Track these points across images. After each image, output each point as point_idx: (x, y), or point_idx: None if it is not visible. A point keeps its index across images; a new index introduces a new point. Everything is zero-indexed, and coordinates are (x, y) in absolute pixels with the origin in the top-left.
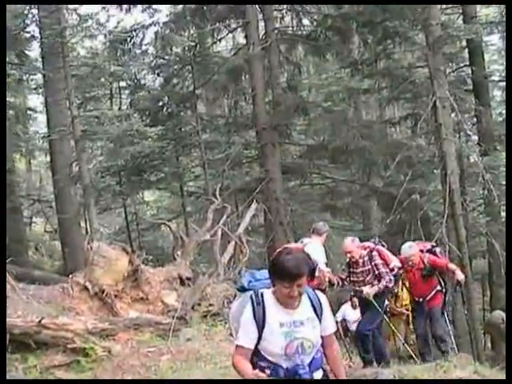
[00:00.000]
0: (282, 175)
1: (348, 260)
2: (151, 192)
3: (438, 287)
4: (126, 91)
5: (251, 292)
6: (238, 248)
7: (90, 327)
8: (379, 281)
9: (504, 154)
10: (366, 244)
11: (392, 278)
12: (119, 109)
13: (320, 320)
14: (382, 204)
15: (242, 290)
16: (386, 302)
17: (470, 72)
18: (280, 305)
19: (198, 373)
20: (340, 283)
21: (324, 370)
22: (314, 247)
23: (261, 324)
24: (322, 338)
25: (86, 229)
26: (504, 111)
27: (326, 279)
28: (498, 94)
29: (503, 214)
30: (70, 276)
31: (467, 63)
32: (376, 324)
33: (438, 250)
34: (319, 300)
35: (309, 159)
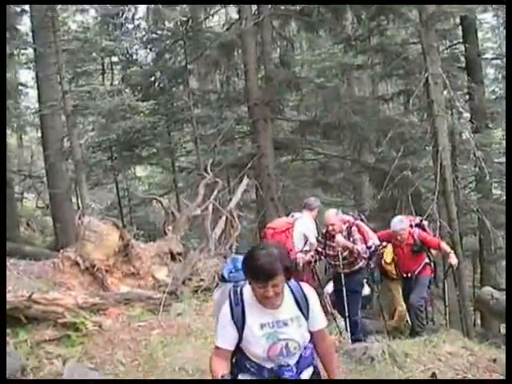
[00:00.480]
0: (274, 151)
1: (325, 231)
2: (143, 167)
3: (426, 260)
4: (118, 66)
5: (231, 286)
6: (229, 223)
7: (80, 302)
8: (355, 258)
9: (496, 131)
10: (346, 218)
11: (367, 254)
12: (111, 84)
13: (307, 316)
14: (373, 180)
15: (223, 280)
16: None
17: (463, 49)
18: (260, 304)
19: (188, 348)
20: (317, 258)
21: (315, 367)
22: (304, 222)
23: (240, 325)
24: (311, 333)
25: (78, 204)
26: (497, 89)
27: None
28: (490, 72)
29: (494, 191)
30: (61, 251)
31: (460, 40)
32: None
33: (425, 223)
34: (304, 294)
35: (301, 135)
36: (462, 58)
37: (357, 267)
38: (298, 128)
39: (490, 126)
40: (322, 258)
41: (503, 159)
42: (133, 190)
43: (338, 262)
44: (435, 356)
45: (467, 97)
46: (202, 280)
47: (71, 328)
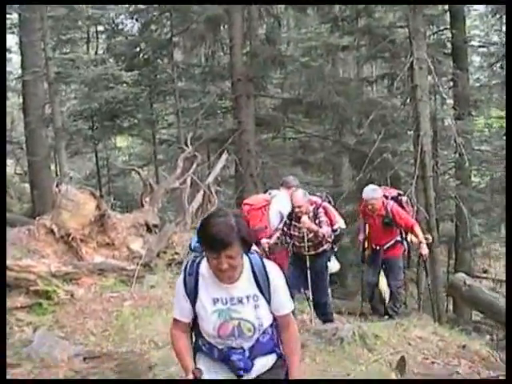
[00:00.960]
0: (255, 127)
1: (291, 212)
2: (123, 138)
3: (399, 238)
4: (103, 36)
5: (191, 256)
6: (207, 198)
7: (53, 270)
8: (320, 242)
9: (478, 119)
10: (313, 199)
11: (332, 237)
12: (95, 53)
13: (268, 298)
14: (353, 161)
15: (190, 249)
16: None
17: (449, 35)
18: (215, 277)
19: (159, 320)
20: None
21: (279, 356)
22: (281, 200)
23: (192, 298)
24: (274, 317)
25: (56, 172)
26: (482, 77)
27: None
28: (476, 60)
29: (473, 178)
30: (37, 219)
31: (448, 27)
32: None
33: (404, 198)
34: (266, 272)
35: (283, 113)
36: (449, 44)
37: (321, 249)
38: (280, 106)
39: (473, 113)
40: (288, 239)
41: (484, 147)
42: (112, 161)
43: (303, 244)
44: (405, 340)
45: (451, 83)
46: (176, 253)
47: (43, 296)
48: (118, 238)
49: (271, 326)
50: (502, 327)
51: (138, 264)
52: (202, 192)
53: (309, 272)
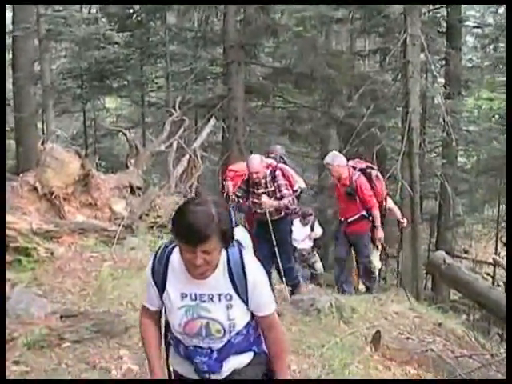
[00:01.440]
0: (245, 95)
1: (247, 179)
2: (112, 99)
3: (364, 212)
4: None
5: (166, 241)
6: (192, 162)
7: (34, 227)
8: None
9: (468, 99)
10: (268, 161)
11: (295, 199)
12: (89, 12)
13: (245, 298)
14: (341, 134)
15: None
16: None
17: (445, 14)
18: (187, 270)
19: (137, 282)
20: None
21: (256, 353)
22: None
23: (160, 288)
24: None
25: (43, 130)
26: (474, 58)
27: None
28: (470, 40)
29: (460, 158)
30: (21, 175)
31: (444, 5)
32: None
33: (374, 172)
34: (244, 271)
35: (273, 82)
36: (443, 23)
37: (283, 213)
38: (270, 74)
39: (463, 93)
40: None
41: (472, 127)
42: (100, 121)
43: (264, 210)
44: (382, 314)
45: (443, 62)
46: (158, 216)
47: (23, 253)
48: (101, 198)
49: (247, 326)
50: (478, 307)
51: (119, 225)
52: (187, 156)
53: (273, 237)
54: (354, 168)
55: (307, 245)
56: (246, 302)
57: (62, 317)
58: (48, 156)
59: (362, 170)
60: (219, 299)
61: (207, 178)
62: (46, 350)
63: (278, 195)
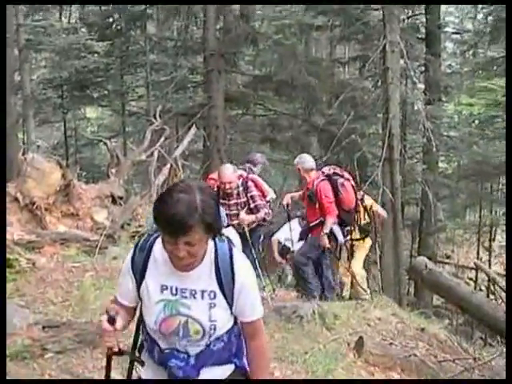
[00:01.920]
0: (225, 103)
1: (217, 189)
2: (93, 109)
3: (323, 219)
4: (77, 4)
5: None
6: (173, 171)
7: (16, 238)
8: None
9: (448, 105)
10: (239, 172)
11: (270, 211)
12: (68, 22)
13: (230, 300)
14: (321, 141)
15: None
16: None
17: (424, 20)
18: (170, 262)
19: None
20: None
21: (239, 367)
22: None
23: (138, 279)
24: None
25: (23, 140)
26: (454, 64)
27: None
28: (449, 46)
29: (441, 164)
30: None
31: (423, 12)
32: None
33: (340, 180)
34: (233, 269)
35: (253, 89)
36: (423, 29)
37: (255, 225)
38: (251, 82)
39: (443, 99)
40: None
41: (452, 133)
42: (81, 131)
43: (233, 222)
44: (364, 320)
45: (423, 68)
46: (140, 226)
47: None
48: (83, 208)
49: (229, 332)
50: (461, 312)
51: (101, 235)
52: (168, 165)
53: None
54: (323, 173)
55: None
56: (230, 305)
57: (44, 327)
58: (29, 166)
59: (328, 177)
60: (202, 296)
61: None
62: (28, 360)
63: (252, 206)
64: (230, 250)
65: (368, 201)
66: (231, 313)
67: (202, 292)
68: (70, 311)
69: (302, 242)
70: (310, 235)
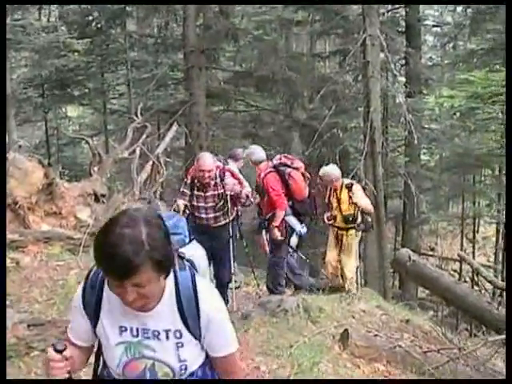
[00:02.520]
0: (206, 99)
1: (191, 181)
2: (75, 107)
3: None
4: (56, 3)
5: None
6: (156, 168)
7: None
8: (226, 212)
9: (429, 98)
10: (217, 163)
11: (253, 198)
12: (48, 20)
13: (198, 334)
14: (303, 136)
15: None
16: None
17: (404, 14)
18: None
19: None
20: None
21: None
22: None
23: (92, 317)
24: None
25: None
26: (434, 56)
27: None
28: (429, 39)
29: (423, 156)
30: None
31: (402, 5)
32: None
33: (287, 170)
34: (197, 301)
35: (234, 85)
36: (402, 23)
37: (224, 222)
38: (231, 78)
39: (424, 92)
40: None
41: (433, 125)
42: (63, 130)
43: (210, 215)
44: (349, 313)
45: (404, 61)
46: None
47: None
48: (66, 206)
49: (202, 366)
50: (445, 304)
51: (84, 233)
52: (150, 163)
53: (215, 246)
54: (271, 164)
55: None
56: (198, 339)
57: (29, 326)
58: (11, 166)
59: (275, 167)
60: (167, 337)
61: (171, 184)
62: (14, 359)
63: (232, 193)
64: (193, 279)
65: (357, 192)
66: (202, 347)
67: (167, 332)
68: (54, 309)
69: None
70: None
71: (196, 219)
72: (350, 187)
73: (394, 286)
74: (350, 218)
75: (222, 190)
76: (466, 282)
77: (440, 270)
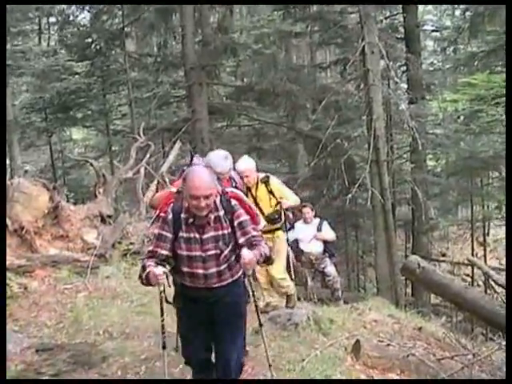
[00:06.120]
0: (209, 116)
1: (173, 215)
2: (79, 130)
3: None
4: (55, 27)
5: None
6: (161, 187)
7: (6, 264)
8: None
9: (431, 103)
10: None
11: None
12: (48, 45)
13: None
14: (308, 148)
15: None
16: None
17: (402, 20)
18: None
19: (113, 311)
20: None
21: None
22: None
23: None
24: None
25: (10, 165)
26: (435, 61)
27: None
28: (429, 44)
29: (429, 162)
30: None
31: (400, 11)
32: None
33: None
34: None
35: (236, 100)
36: (401, 29)
37: (230, 280)
38: (233, 93)
39: (427, 97)
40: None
41: (437, 130)
42: (68, 153)
43: (210, 270)
44: (360, 323)
45: (404, 67)
46: (131, 243)
47: None
48: (72, 229)
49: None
50: (457, 308)
51: (92, 255)
52: (155, 181)
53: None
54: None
55: (316, 247)
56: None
57: (38, 351)
58: (16, 191)
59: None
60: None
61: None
62: None
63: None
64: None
65: (277, 185)
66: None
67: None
68: (64, 333)
69: (314, 241)
70: None
71: (185, 281)
72: (266, 181)
73: (407, 294)
74: (276, 216)
75: (230, 230)
76: (479, 286)
77: (451, 275)
